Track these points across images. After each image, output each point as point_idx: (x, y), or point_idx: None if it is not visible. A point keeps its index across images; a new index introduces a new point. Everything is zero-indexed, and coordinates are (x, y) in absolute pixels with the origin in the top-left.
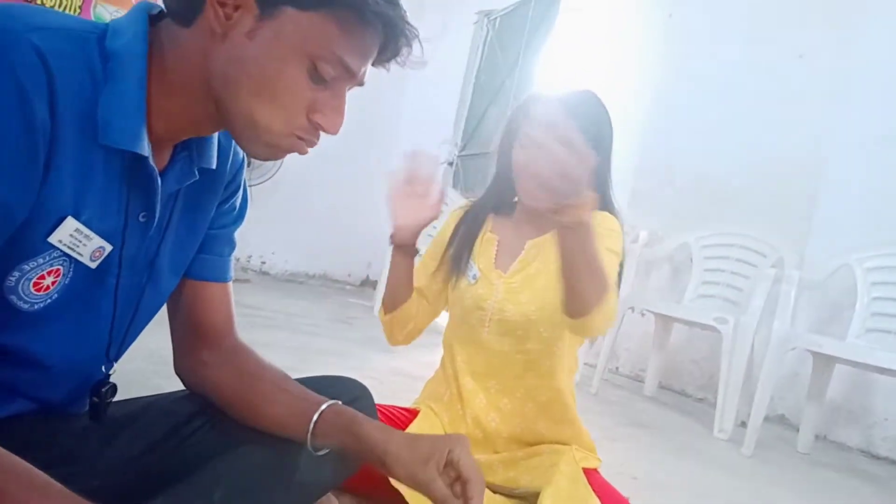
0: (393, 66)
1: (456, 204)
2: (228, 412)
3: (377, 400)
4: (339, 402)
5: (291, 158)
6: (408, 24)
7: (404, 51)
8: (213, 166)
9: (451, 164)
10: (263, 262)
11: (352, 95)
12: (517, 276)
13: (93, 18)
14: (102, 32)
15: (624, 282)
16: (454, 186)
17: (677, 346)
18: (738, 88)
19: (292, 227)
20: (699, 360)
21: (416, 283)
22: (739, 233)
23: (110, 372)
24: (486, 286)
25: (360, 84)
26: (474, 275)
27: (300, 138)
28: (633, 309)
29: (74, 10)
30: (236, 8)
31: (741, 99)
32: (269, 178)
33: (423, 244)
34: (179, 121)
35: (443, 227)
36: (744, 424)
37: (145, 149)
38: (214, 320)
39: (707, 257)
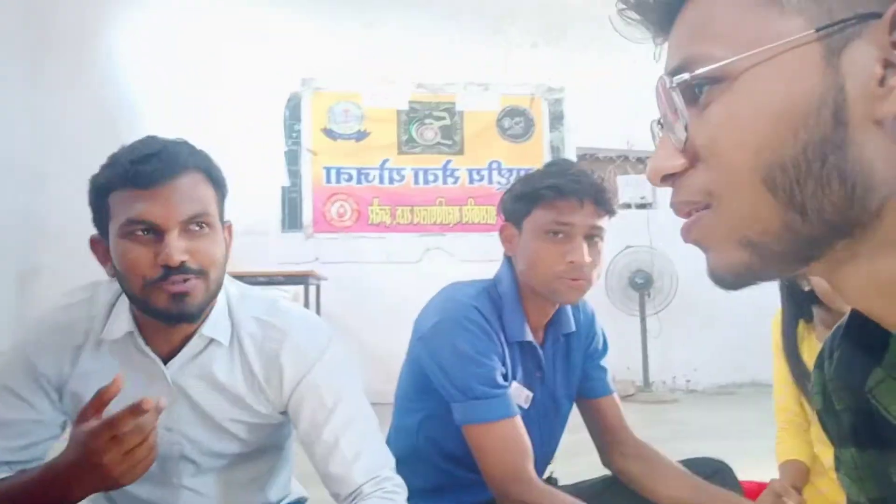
0: None
1: None
2: (640, 492)
3: None
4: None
5: (684, 279)
6: (589, 184)
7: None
8: (573, 329)
9: None
10: (688, 381)
11: None
12: None
13: None
14: (496, 282)
15: None
16: None
17: None
18: None
19: (709, 342)
20: None
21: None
22: None
23: (548, 470)
24: None
25: (591, 231)
26: None
27: (567, 278)
28: None
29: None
30: (512, 241)
31: None
32: (667, 304)
33: None
34: (537, 314)
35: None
36: None
37: (529, 336)
38: (612, 423)
39: None
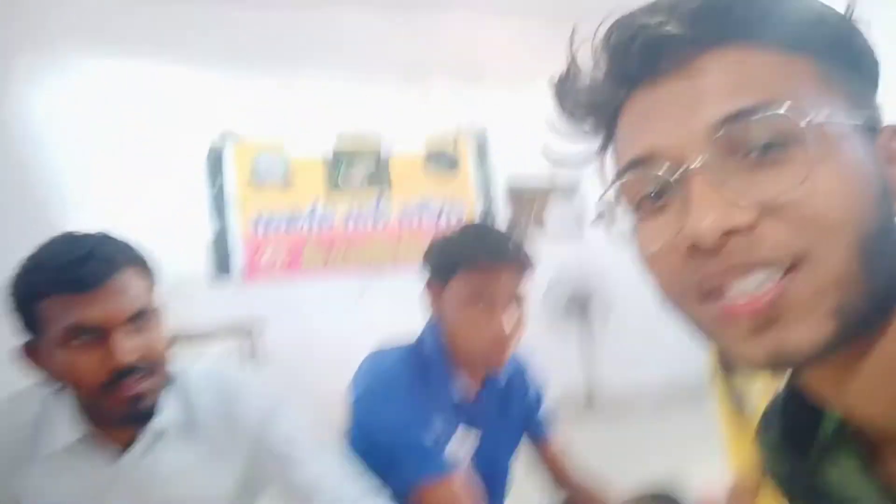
0: None
1: None
2: None
3: None
4: None
5: (619, 298)
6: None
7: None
8: (503, 384)
9: None
10: (631, 394)
11: None
12: None
13: None
14: (420, 343)
15: None
16: None
17: None
18: None
19: (649, 354)
20: None
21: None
22: None
23: None
24: None
25: (512, 296)
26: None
27: (494, 349)
28: None
29: None
30: (437, 301)
31: None
32: (604, 324)
33: None
34: (469, 374)
35: None
36: None
37: (460, 394)
38: (555, 462)
39: None
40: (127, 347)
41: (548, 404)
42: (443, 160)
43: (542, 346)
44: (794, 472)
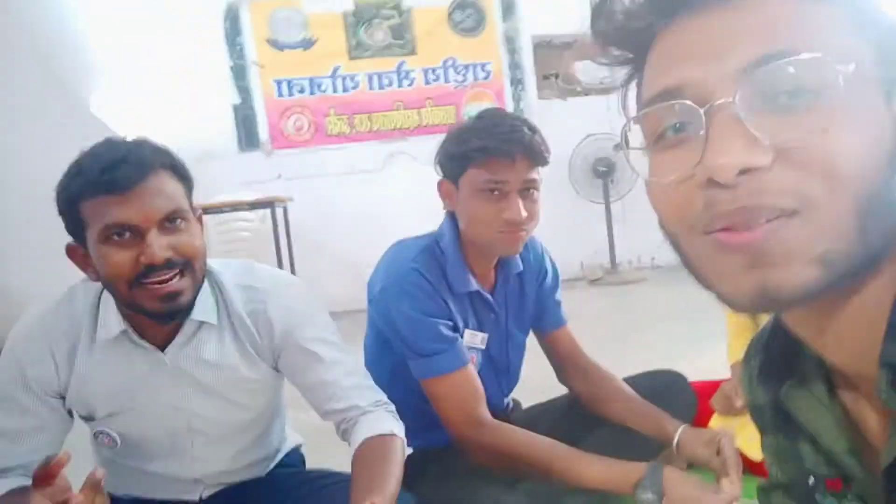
0: None
1: None
2: (589, 407)
3: None
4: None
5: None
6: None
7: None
8: (521, 269)
9: None
10: (653, 258)
11: None
12: None
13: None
14: (438, 237)
15: None
16: None
17: None
18: None
19: None
20: None
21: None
22: None
23: (507, 401)
24: None
25: (525, 185)
26: None
27: (505, 232)
28: None
29: (450, 119)
30: (451, 197)
31: None
32: (630, 189)
33: None
34: (481, 263)
35: None
36: None
37: (475, 286)
38: (566, 350)
39: None
40: (161, 244)
41: (563, 281)
42: (469, 11)
43: (566, 215)
44: (768, 403)
